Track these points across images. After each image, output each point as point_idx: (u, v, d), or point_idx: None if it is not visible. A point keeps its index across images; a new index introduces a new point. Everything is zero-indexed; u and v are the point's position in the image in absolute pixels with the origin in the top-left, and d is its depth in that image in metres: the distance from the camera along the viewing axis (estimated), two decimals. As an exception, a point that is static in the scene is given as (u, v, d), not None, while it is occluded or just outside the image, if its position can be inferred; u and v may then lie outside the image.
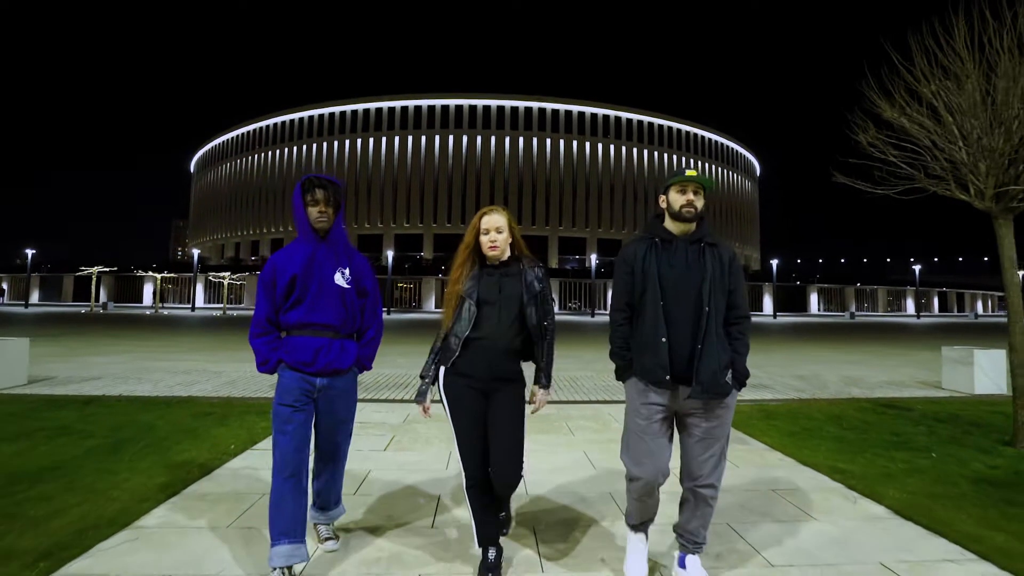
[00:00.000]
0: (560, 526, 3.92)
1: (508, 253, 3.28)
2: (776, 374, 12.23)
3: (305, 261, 3.24)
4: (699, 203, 3.08)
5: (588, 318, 55.50)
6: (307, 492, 3.22)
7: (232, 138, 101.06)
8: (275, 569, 3.02)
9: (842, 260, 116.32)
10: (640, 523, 3.24)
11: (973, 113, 6.07)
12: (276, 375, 3.33)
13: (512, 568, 3.32)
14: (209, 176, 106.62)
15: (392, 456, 5.58)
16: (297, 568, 3.22)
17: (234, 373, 11.17)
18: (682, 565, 3.16)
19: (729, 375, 3.01)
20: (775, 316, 64.35)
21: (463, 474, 3.15)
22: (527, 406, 3.23)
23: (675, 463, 3.35)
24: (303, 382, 3.23)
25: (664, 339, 2.96)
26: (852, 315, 64.08)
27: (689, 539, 3.15)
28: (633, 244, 3.21)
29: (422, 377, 3.23)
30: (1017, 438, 6.14)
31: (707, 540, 3.25)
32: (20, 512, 3.94)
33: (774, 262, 68.02)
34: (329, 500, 3.54)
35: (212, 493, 4.44)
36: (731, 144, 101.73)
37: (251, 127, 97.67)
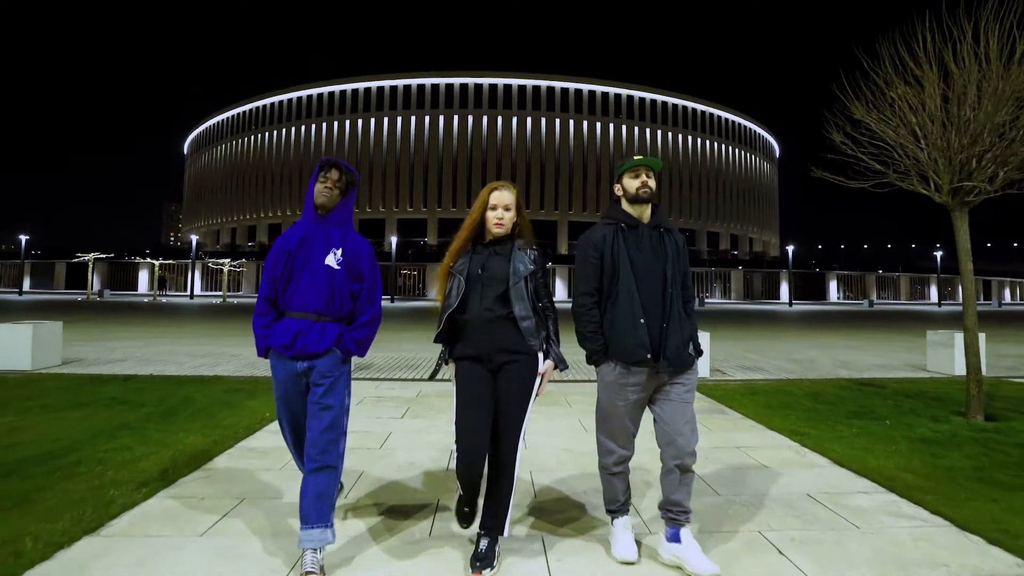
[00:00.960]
0: (559, 484, 5.02)
1: (508, 233, 3.40)
2: (773, 358, 13.30)
3: (299, 239, 3.35)
4: (652, 183, 3.47)
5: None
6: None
7: (228, 118, 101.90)
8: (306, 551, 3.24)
9: (865, 245, 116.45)
10: (621, 504, 3.52)
11: (932, 116, 7.09)
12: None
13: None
14: (204, 158, 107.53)
15: (408, 422, 6.70)
16: (330, 548, 3.43)
17: (252, 356, 12.34)
18: (675, 539, 3.36)
19: (691, 347, 3.44)
20: (790, 304, 65.18)
21: (454, 449, 3.23)
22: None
23: (651, 445, 3.73)
24: (288, 367, 3.32)
25: (642, 320, 3.29)
26: (871, 303, 64.83)
27: (678, 512, 3.37)
28: (600, 229, 3.50)
29: (445, 362, 3.43)
30: (969, 409, 7.19)
31: (691, 511, 3.45)
32: (110, 458, 5.07)
33: (790, 248, 68.81)
34: (310, 510, 3.21)
35: (259, 447, 5.57)
36: (750, 124, 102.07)
37: (248, 107, 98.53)
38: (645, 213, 3.51)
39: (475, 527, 3.45)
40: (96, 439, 5.63)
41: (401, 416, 7.00)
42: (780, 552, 3.51)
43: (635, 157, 3.50)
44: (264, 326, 3.40)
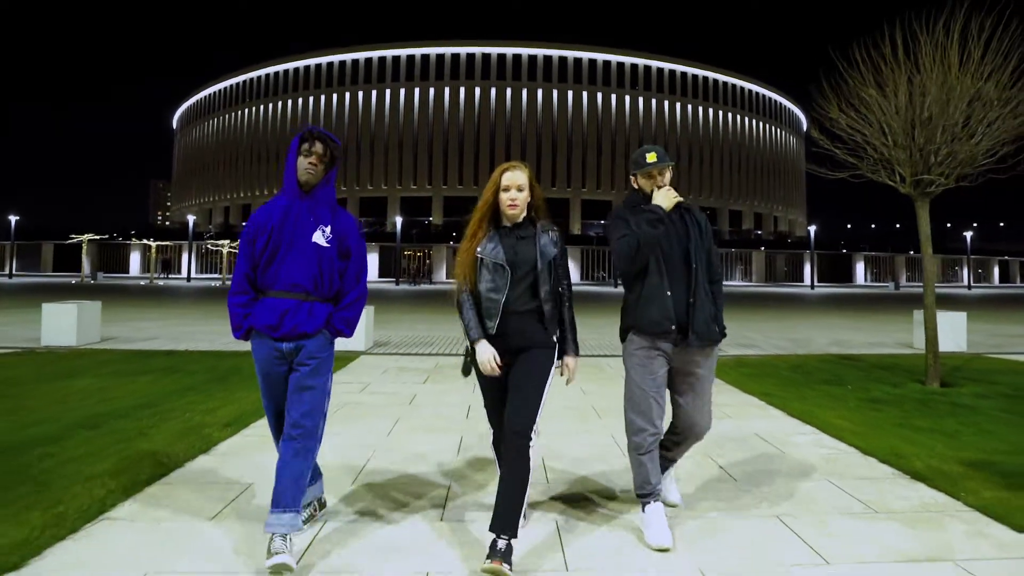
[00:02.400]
0: (572, 468, 6.58)
1: (524, 214, 3.56)
2: (771, 337, 14.83)
3: (282, 215, 3.41)
4: (667, 178, 3.78)
5: (612, 288, 58.10)
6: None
7: (220, 90, 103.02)
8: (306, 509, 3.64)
9: (896, 225, 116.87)
10: (653, 488, 3.71)
11: (893, 118, 8.54)
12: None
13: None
14: (194, 133, 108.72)
15: (430, 387, 8.27)
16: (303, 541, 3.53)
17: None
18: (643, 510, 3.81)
19: (717, 325, 3.78)
20: (812, 287, 66.38)
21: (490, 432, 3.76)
22: (562, 377, 3.63)
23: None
24: (271, 349, 3.41)
25: (669, 292, 3.63)
26: (897, 286, 65.98)
27: (669, 463, 4.11)
28: (624, 209, 3.83)
29: (472, 341, 3.48)
30: (927, 377, 8.69)
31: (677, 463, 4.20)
32: (192, 408, 6.66)
33: (811, 228, 69.95)
34: (283, 493, 3.27)
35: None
36: (774, 96, 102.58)
37: (242, 78, 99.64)
38: None
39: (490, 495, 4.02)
40: (171, 396, 7.22)
41: (423, 382, 8.57)
42: (721, 467, 5.05)
43: (647, 156, 3.76)
44: (243, 305, 3.46)
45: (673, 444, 4.02)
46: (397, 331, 15.15)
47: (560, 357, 3.60)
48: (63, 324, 11.63)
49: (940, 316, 12.35)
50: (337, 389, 7.93)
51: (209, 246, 63.48)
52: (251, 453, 5.20)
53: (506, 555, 3.09)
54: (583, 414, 6.79)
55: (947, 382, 8.69)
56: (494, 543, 3.13)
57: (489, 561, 3.04)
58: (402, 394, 7.70)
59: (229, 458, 5.05)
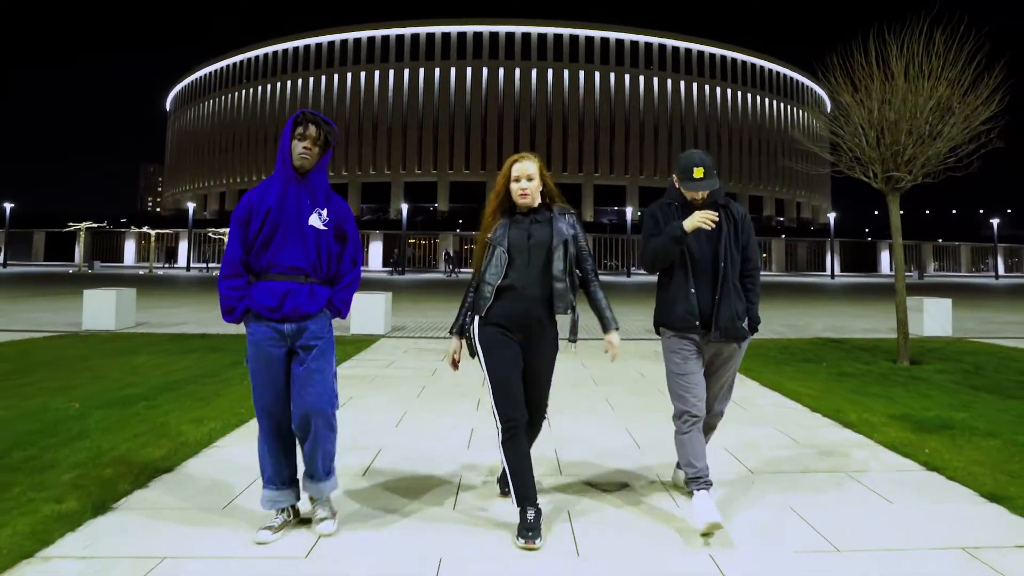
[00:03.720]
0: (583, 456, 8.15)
1: (539, 201, 3.92)
2: (770, 324, 16.34)
3: (279, 197, 3.60)
4: (706, 195, 4.03)
5: (624, 278, 59.50)
6: (293, 442, 3.84)
7: (216, 70, 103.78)
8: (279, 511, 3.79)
9: (926, 211, 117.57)
10: (696, 476, 3.94)
11: (868, 120, 10.04)
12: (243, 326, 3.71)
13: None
14: (188, 115, 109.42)
15: (448, 364, 9.84)
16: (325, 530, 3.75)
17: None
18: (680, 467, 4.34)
19: (745, 322, 4.07)
20: (832, 276, 67.66)
21: (498, 424, 3.75)
22: (607, 355, 3.99)
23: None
24: (270, 330, 3.61)
25: (693, 290, 3.96)
26: (920, 275, 67.09)
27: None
28: (656, 206, 4.17)
29: (451, 332, 4.04)
30: (898, 356, 10.20)
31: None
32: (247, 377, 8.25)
33: (831, 215, 71.19)
34: (316, 467, 3.76)
35: (359, 373, 8.73)
36: (798, 77, 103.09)
37: (237, 58, 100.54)
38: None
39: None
40: (223, 370, 8.81)
41: (442, 359, 10.14)
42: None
43: (694, 172, 3.93)
44: (237, 288, 3.64)
45: None
46: (412, 318, 16.76)
47: (604, 333, 4.04)
48: (103, 310, 13.25)
49: (927, 302, 13.88)
50: (366, 365, 9.52)
51: (211, 234, 65.06)
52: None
53: (536, 526, 3.62)
54: (594, 405, 8.35)
55: (917, 360, 10.19)
56: (524, 513, 3.66)
57: (523, 540, 3.57)
58: (424, 368, 9.27)
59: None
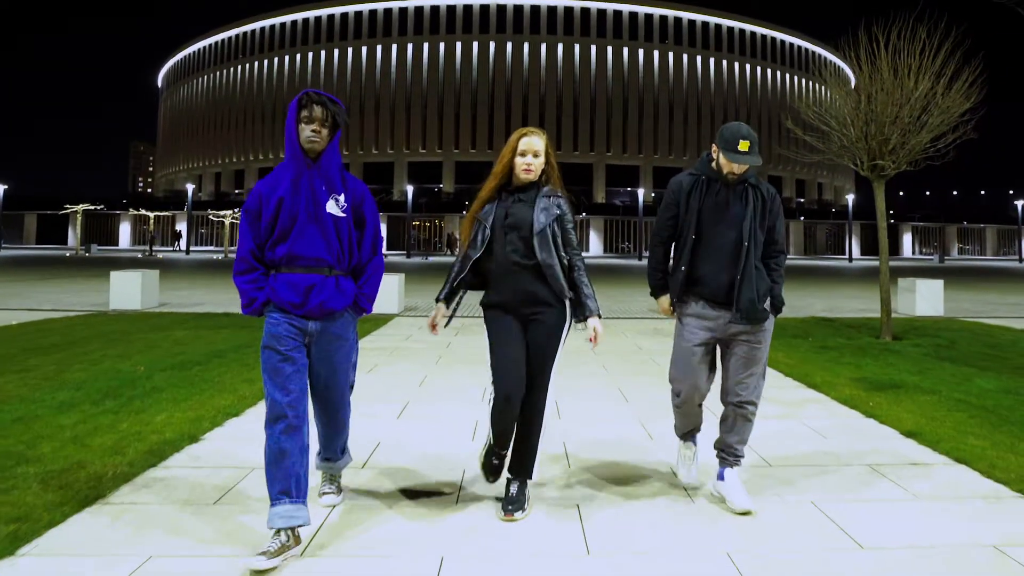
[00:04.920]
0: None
1: (537, 180, 4.03)
2: (774, 305, 17.68)
3: (292, 186, 3.57)
4: (743, 169, 4.11)
5: (636, 261, 60.83)
6: (307, 449, 3.60)
7: (210, 45, 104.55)
8: (277, 531, 3.36)
9: (954, 192, 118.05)
10: (684, 432, 4.44)
11: (855, 114, 11.33)
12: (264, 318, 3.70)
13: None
14: (182, 92, 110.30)
15: (461, 339, 11.21)
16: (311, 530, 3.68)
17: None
18: (721, 478, 4.18)
19: (768, 303, 4.13)
20: (850, 260, 68.80)
21: (492, 395, 3.94)
22: (588, 343, 4.02)
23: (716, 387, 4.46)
24: (292, 326, 3.58)
25: (683, 267, 4.14)
26: (941, 258, 68.12)
27: (729, 453, 4.26)
28: (682, 179, 4.27)
29: (436, 300, 4.20)
30: (881, 332, 11.52)
31: (744, 455, 4.35)
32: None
33: (850, 197, 72.19)
34: (334, 450, 4.09)
35: (380, 346, 10.10)
36: (819, 51, 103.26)
37: (233, 32, 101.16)
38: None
39: (501, 482, 4.20)
40: (259, 342, 10.19)
41: (455, 335, 11.51)
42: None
43: (739, 144, 4.01)
44: (253, 281, 3.66)
45: (722, 419, 4.40)
46: (422, 299, 18.14)
47: (584, 320, 4.06)
48: (129, 290, 14.68)
49: (919, 283, 15.23)
50: (386, 339, 10.92)
51: (211, 217, 66.36)
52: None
53: (519, 500, 3.96)
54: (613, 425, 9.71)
55: (899, 337, 11.50)
56: (508, 485, 4.05)
57: (504, 513, 3.91)
58: (439, 342, 10.63)
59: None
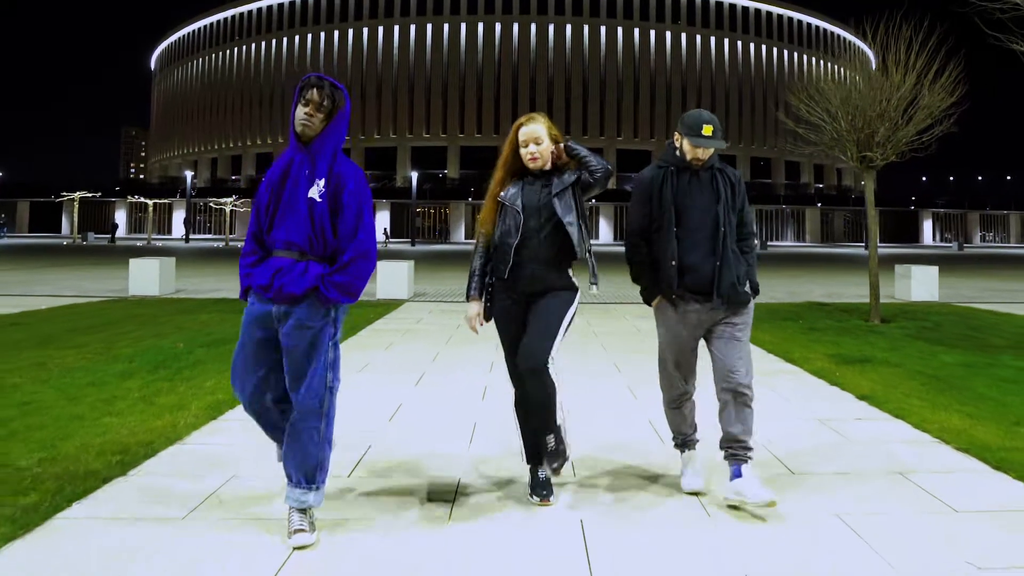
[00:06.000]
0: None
1: (550, 164, 4.11)
2: (773, 291, 18.80)
3: (284, 167, 3.75)
4: (708, 154, 4.27)
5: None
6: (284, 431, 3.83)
7: (205, 26, 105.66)
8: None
9: (979, 177, 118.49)
10: (683, 442, 4.52)
11: (839, 108, 12.46)
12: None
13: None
14: (176, 75, 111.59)
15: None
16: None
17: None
18: (737, 475, 4.18)
19: (747, 286, 4.31)
20: (866, 248, 68.97)
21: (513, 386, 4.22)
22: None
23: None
24: (260, 311, 3.71)
25: (674, 262, 4.21)
26: (960, 246, 68.92)
27: (737, 448, 4.26)
28: (649, 172, 4.41)
29: (468, 298, 4.24)
30: (870, 315, 12.66)
31: (754, 447, 4.33)
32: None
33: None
34: (290, 473, 3.70)
35: (389, 328, 11.27)
36: (837, 31, 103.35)
37: (229, 12, 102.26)
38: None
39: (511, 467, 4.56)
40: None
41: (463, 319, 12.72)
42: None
43: (703, 128, 4.17)
44: (249, 265, 3.78)
45: (721, 412, 4.37)
46: (430, 285, 19.37)
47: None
48: (147, 277, 15.92)
49: (915, 270, 16.41)
50: (398, 322, 12.12)
51: (212, 204, 67.44)
52: (366, 342, 9.36)
53: (546, 485, 4.17)
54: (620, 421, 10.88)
55: (887, 320, 12.62)
56: (535, 471, 4.22)
57: (536, 498, 4.11)
58: (449, 325, 11.81)
59: (351, 354, 9.22)
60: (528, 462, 4.20)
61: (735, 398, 4.28)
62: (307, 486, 3.66)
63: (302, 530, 3.57)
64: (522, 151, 4.04)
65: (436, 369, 8.29)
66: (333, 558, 3.49)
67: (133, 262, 16.26)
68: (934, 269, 16.55)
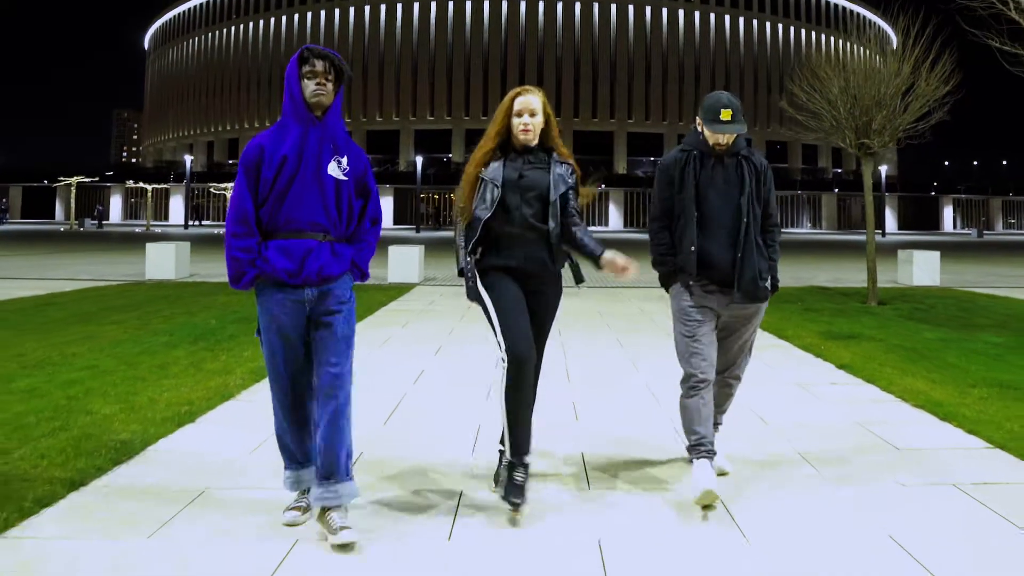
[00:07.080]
0: (606, 442, 11.72)
1: (537, 140, 4.17)
2: (781, 273, 19.49)
3: (297, 142, 3.62)
4: (730, 139, 4.27)
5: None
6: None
7: (200, 4, 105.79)
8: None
9: (1003, 162, 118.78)
10: (698, 438, 4.23)
11: (842, 98, 13.45)
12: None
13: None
14: (170, 55, 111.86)
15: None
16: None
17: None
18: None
19: (768, 281, 4.35)
20: (883, 235, 69.74)
21: (504, 363, 3.99)
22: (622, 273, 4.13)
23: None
24: (288, 300, 3.61)
25: (693, 248, 4.24)
26: (980, 233, 69.65)
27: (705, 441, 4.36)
28: (673, 155, 4.44)
29: (462, 273, 4.24)
30: (868, 298, 13.67)
31: (722, 422, 4.81)
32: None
33: (883, 168, 73.66)
34: (335, 464, 3.61)
35: (404, 308, 12.31)
36: (857, 9, 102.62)
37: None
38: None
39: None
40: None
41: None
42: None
43: (721, 113, 4.17)
44: (248, 250, 3.62)
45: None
46: (438, 271, 20.43)
47: (597, 262, 4.12)
48: (164, 261, 17.03)
49: (917, 255, 17.49)
50: (411, 304, 13.19)
51: (212, 189, 68.29)
52: (382, 320, 10.40)
53: (521, 492, 3.89)
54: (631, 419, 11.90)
55: (884, 302, 13.63)
56: (513, 470, 3.99)
57: (508, 505, 3.89)
58: (461, 306, 12.83)
59: (368, 332, 10.26)
60: (512, 455, 4.03)
61: (723, 384, 4.64)
62: (347, 476, 3.65)
63: (347, 527, 3.50)
64: (515, 120, 4.07)
65: (453, 341, 9.39)
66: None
67: (150, 246, 17.40)
68: (935, 254, 17.60)
